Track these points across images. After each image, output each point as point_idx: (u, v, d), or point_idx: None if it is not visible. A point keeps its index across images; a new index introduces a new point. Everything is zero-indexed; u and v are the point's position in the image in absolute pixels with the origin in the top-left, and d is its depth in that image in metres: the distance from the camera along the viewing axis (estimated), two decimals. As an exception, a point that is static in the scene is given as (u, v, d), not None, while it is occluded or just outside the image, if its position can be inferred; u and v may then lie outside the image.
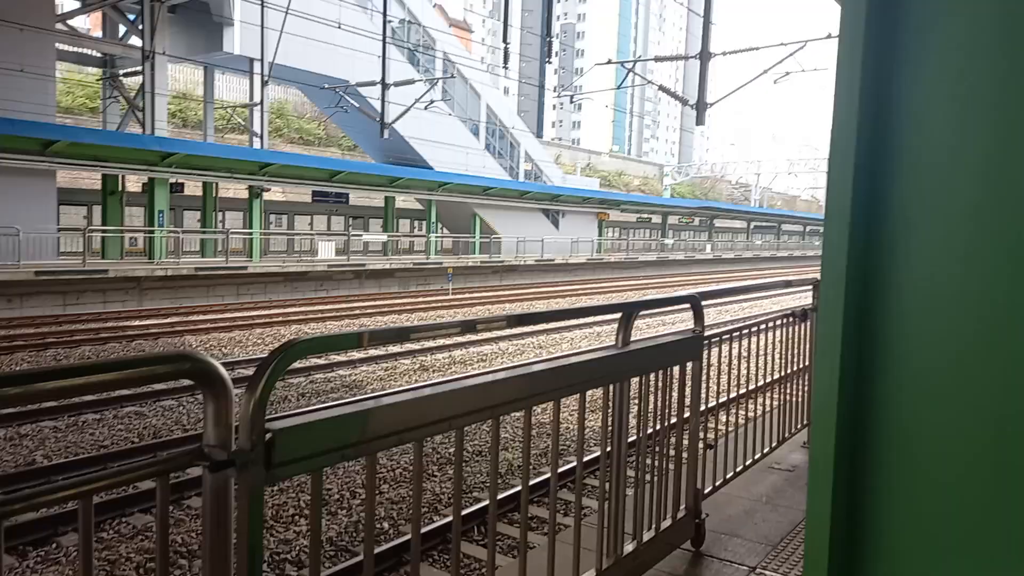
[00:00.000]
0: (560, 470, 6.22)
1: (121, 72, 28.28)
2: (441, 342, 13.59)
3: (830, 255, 1.41)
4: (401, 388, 10.36)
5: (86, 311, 18.08)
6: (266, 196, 26.01)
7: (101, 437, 8.01)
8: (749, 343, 4.05)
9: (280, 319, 17.23)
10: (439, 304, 21.49)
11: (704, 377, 3.23)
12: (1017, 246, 1.24)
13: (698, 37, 22.06)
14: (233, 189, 30.63)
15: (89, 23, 43.30)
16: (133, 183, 26.22)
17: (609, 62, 25.81)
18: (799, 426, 4.60)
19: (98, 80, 31.07)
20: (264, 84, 27.23)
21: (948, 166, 1.30)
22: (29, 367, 11.30)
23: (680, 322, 17.73)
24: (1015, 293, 1.25)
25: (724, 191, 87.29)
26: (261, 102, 27.98)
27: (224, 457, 1.40)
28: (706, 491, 3.39)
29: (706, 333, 3.23)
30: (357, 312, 19.08)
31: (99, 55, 29.00)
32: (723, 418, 7.45)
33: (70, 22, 27.42)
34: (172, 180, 23.07)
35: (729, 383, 4.28)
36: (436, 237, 31.88)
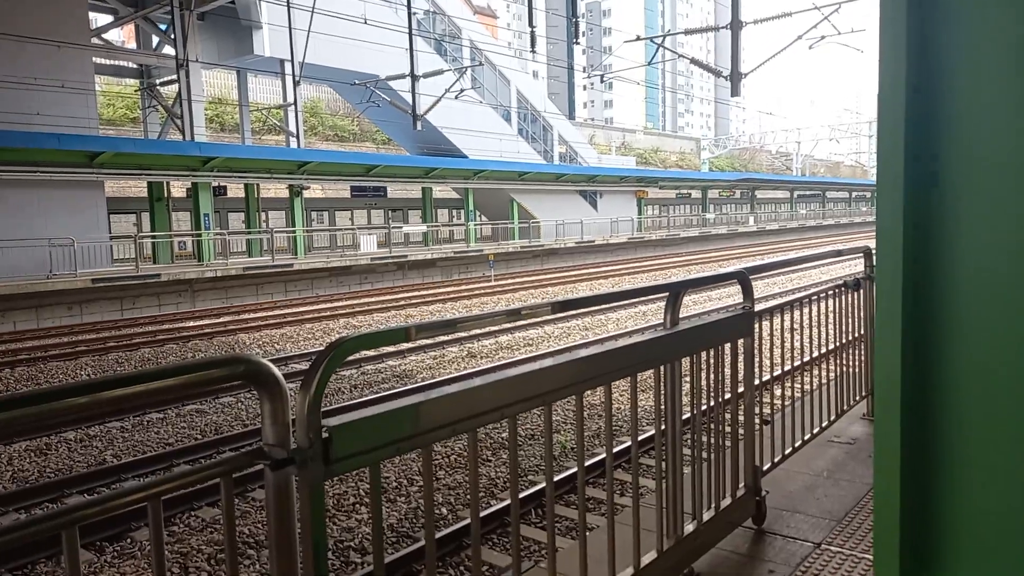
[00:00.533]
0: (615, 450, 6.21)
1: (158, 81, 28.95)
2: (488, 329, 13.65)
3: (884, 223, 1.36)
4: (451, 376, 10.44)
5: (143, 315, 18.66)
6: (306, 194, 26.40)
7: (165, 435, 8.27)
8: (801, 315, 3.97)
9: (328, 313, 17.51)
10: (482, 291, 21.57)
11: (756, 351, 3.17)
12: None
13: (727, 7, 21.55)
14: (274, 189, 31.19)
15: (123, 35, 44.33)
16: (177, 189, 26.86)
17: (638, 38, 25.37)
18: (857, 398, 4.49)
19: (136, 91, 31.86)
20: (296, 84, 27.55)
21: (1006, 128, 1.24)
22: (91, 377, 11.72)
23: (728, 296, 17.47)
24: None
25: (764, 161, 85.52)
26: (295, 102, 28.35)
27: (284, 455, 1.42)
28: (765, 468, 3.34)
29: (756, 308, 3.16)
30: (402, 303, 19.28)
31: (135, 66, 29.75)
32: (778, 392, 7.32)
33: (105, 36, 28.14)
34: (214, 183, 23.57)
35: (783, 356, 4.21)
36: (475, 225, 31.95)
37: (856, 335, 4.50)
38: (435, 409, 1.77)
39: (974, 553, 1.34)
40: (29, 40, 20.71)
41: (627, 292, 2.69)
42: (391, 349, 12.18)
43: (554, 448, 7.13)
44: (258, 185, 25.67)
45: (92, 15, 26.78)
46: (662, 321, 2.69)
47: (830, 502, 3.47)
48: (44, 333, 15.99)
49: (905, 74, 1.30)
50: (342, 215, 34.55)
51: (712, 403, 2.87)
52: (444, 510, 5.91)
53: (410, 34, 26.99)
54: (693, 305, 16.58)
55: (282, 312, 18.37)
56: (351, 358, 11.25)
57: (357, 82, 29.57)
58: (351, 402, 9.19)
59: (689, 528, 2.69)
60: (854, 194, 67.33)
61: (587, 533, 2.39)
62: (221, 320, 17.34)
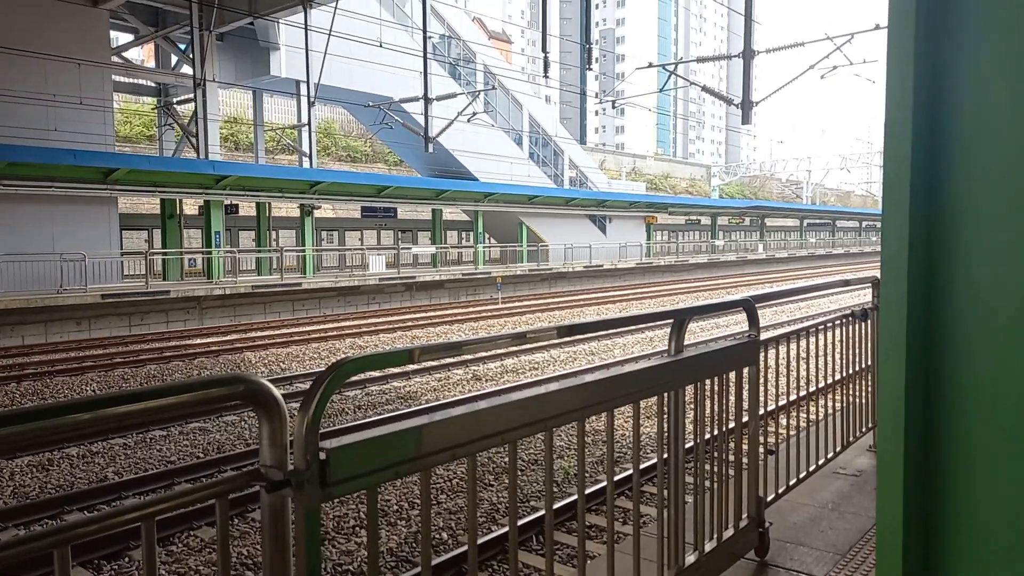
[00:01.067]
0: (617, 478, 6.15)
1: (175, 100, 29.34)
2: (493, 352, 13.61)
3: (890, 253, 1.35)
4: (453, 399, 10.41)
5: (150, 331, 18.73)
6: (317, 213, 26.56)
7: (168, 453, 8.25)
8: (808, 344, 3.94)
9: (335, 333, 17.52)
10: (489, 314, 21.56)
11: (762, 380, 3.15)
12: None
13: (740, 36, 21.72)
14: (285, 208, 31.42)
15: (143, 54, 45.06)
16: (190, 206, 27.10)
17: (650, 65, 25.59)
18: (864, 429, 4.44)
19: (153, 109, 32.27)
20: (311, 105, 27.86)
21: (1009, 156, 1.24)
22: (96, 392, 11.74)
23: (735, 324, 17.40)
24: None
25: (774, 189, 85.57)
26: (309, 122, 28.63)
27: (280, 477, 1.41)
28: (769, 499, 3.30)
29: (762, 337, 3.15)
30: (409, 324, 19.29)
31: (153, 84, 30.18)
32: (783, 422, 7.26)
33: (125, 54, 28.61)
34: (227, 202, 23.77)
35: (788, 385, 4.16)
36: (484, 247, 32.03)
37: (863, 366, 4.46)
38: (435, 432, 1.76)
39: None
40: (50, 57, 21.07)
41: (633, 318, 2.68)
42: (396, 370, 12.17)
43: (557, 474, 7.08)
44: (270, 204, 25.87)
45: (113, 34, 27.27)
46: (666, 348, 2.68)
47: (835, 535, 3.41)
48: (52, 348, 16.07)
49: (912, 104, 1.30)
50: (352, 235, 34.73)
51: (716, 432, 2.85)
52: (445, 535, 5.85)
53: (424, 57, 27.30)
54: (700, 332, 16.51)
55: (289, 331, 18.40)
56: (356, 378, 11.26)
57: (371, 104, 29.88)
58: (352, 423, 9.16)
59: (691, 559, 2.66)
60: (864, 223, 67.17)
61: (587, 562, 2.36)
62: (228, 338, 17.38)
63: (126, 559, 5.57)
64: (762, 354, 3.18)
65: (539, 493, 6.65)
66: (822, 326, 4.12)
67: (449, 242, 36.29)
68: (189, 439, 8.78)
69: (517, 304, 24.59)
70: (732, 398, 2.94)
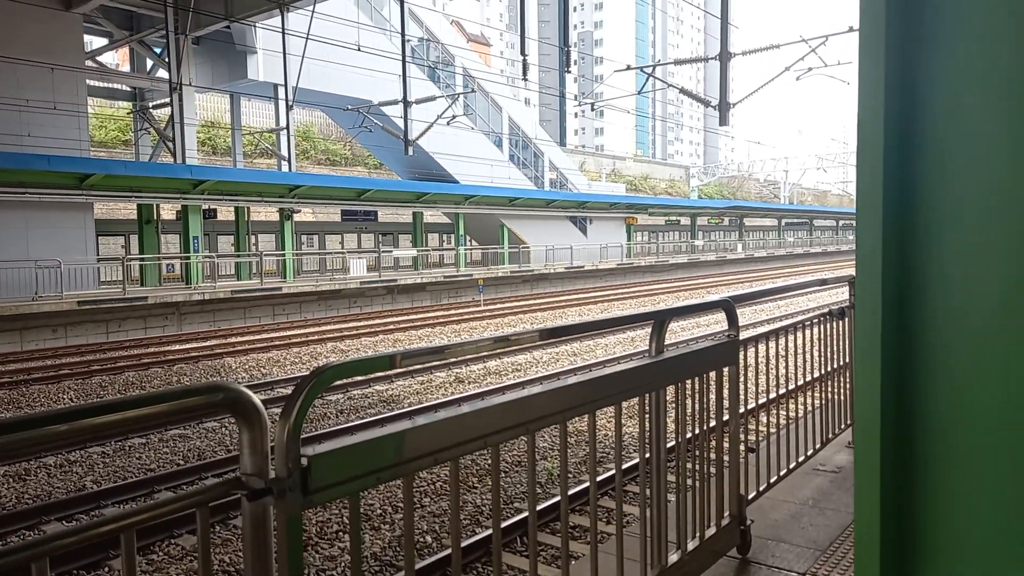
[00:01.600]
0: (600, 478, 6.18)
1: (150, 104, 29.02)
2: (476, 355, 13.61)
3: (864, 253, 1.37)
4: (436, 403, 10.39)
5: (128, 338, 18.50)
6: (296, 217, 26.38)
7: (147, 461, 8.16)
8: (786, 342, 3.98)
9: (316, 337, 17.42)
10: (471, 316, 21.54)
11: (742, 379, 3.18)
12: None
13: (716, 38, 21.91)
14: (264, 212, 31.17)
15: (117, 58, 44.51)
16: (167, 211, 26.82)
17: (628, 68, 25.73)
18: (843, 426, 4.50)
19: (129, 113, 31.92)
20: (289, 109, 27.69)
21: (980, 158, 1.26)
22: (73, 401, 11.57)
23: (715, 323, 17.52)
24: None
25: (752, 190, 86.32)
26: (287, 126, 28.47)
27: (261, 485, 1.40)
28: (750, 496, 3.33)
29: (741, 336, 3.18)
30: (391, 327, 19.21)
31: (128, 89, 29.83)
32: (764, 419, 7.32)
33: (99, 58, 28.26)
34: (205, 206, 23.55)
35: (768, 383, 4.20)
36: (465, 249, 32.01)
37: (841, 363, 4.52)
38: (417, 438, 1.75)
39: (957, 578, 1.34)
40: (23, 62, 20.76)
41: (614, 320, 2.70)
42: (378, 374, 12.12)
43: (540, 475, 7.09)
44: (248, 208, 25.67)
45: (87, 38, 26.93)
46: (647, 349, 2.69)
47: (815, 531, 3.45)
48: (27, 356, 15.81)
49: (884, 107, 1.32)
50: (332, 239, 34.55)
51: (697, 431, 2.87)
52: (428, 538, 5.84)
53: (403, 61, 27.25)
54: (681, 331, 16.62)
55: (270, 336, 18.26)
56: (338, 383, 11.19)
57: (350, 107, 29.76)
58: (334, 428, 9.11)
59: (673, 558, 2.67)
60: (841, 222, 68.00)
61: (571, 562, 2.37)
62: (208, 344, 17.21)
63: (105, 568, 5.50)
64: (742, 353, 3.21)
65: (522, 495, 6.66)
66: (800, 325, 4.17)
67: (430, 245, 36.21)
68: (169, 446, 8.68)
69: (499, 306, 24.59)
70: (713, 397, 2.96)
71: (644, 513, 2.54)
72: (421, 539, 5.76)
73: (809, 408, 4.29)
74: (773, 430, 3.97)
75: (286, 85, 26.96)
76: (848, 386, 4.54)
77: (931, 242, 1.32)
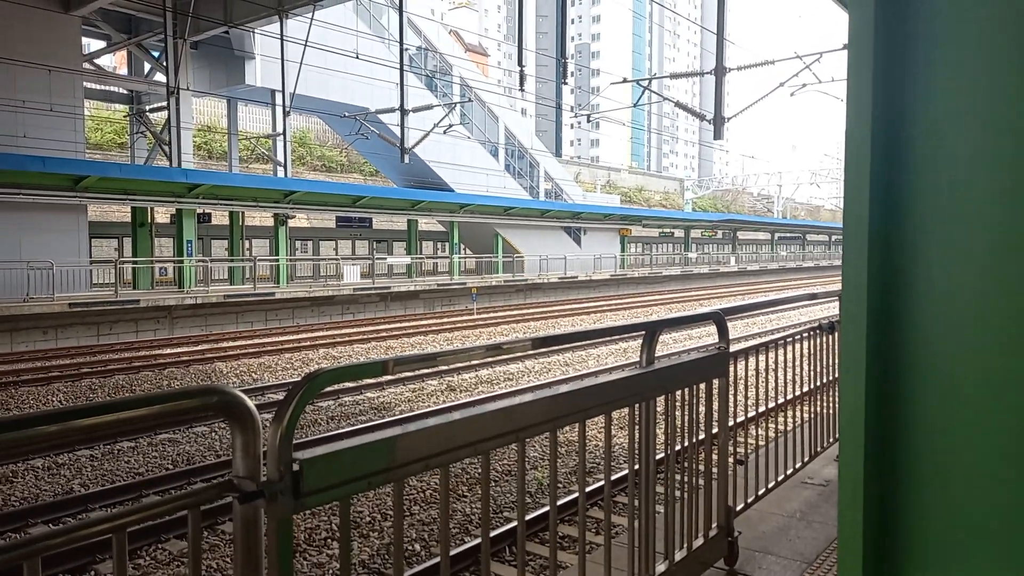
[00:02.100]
0: (589, 489, 6.18)
1: (147, 107, 29.00)
2: (468, 363, 13.60)
3: (850, 269, 1.40)
4: (427, 410, 10.38)
5: (119, 341, 18.42)
6: (291, 223, 26.36)
7: (136, 465, 8.12)
8: (776, 355, 4.01)
9: (308, 343, 17.38)
10: (464, 324, 21.54)
11: (732, 391, 3.20)
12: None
13: (712, 53, 22.07)
14: (259, 217, 31.15)
15: (115, 61, 44.49)
16: (161, 215, 26.76)
17: (624, 80, 25.89)
18: (831, 440, 4.53)
19: (125, 116, 31.88)
20: (286, 115, 27.71)
21: (965, 176, 1.29)
22: (63, 403, 11.51)
23: (707, 335, 17.57)
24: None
25: (746, 203, 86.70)
26: (284, 132, 28.47)
27: (253, 488, 1.41)
28: (738, 508, 3.35)
29: (731, 349, 3.20)
30: (383, 335, 19.19)
31: (125, 92, 29.81)
32: (753, 432, 7.34)
33: (96, 61, 28.24)
34: (199, 211, 23.51)
35: (757, 396, 4.24)
36: (459, 258, 32.02)
37: (831, 377, 4.55)
38: (408, 444, 1.77)
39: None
40: (20, 63, 20.74)
41: (605, 330, 2.72)
42: (369, 381, 12.10)
43: (530, 484, 7.09)
44: (243, 213, 25.63)
45: (85, 40, 26.91)
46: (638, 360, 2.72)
47: (802, 544, 3.47)
48: (17, 357, 15.72)
49: (871, 125, 1.35)
50: (327, 245, 34.52)
51: (687, 442, 2.89)
52: (417, 546, 5.83)
53: (401, 69, 27.32)
54: (673, 343, 16.65)
55: (261, 341, 18.21)
56: (329, 389, 11.17)
57: (347, 114, 29.81)
58: (326, 434, 9.09)
59: (661, 568, 2.69)
60: (833, 237, 68.29)
61: (559, 572, 2.38)
62: (199, 348, 17.15)
63: (91, 572, 5.47)
64: (732, 366, 3.23)
65: (512, 504, 6.65)
66: (790, 338, 4.20)
67: (425, 252, 36.23)
68: (158, 450, 8.64)
69: (492, 315, 24.60)
70: (703, 409, 2.98)
71: (632, 523, 2.56)
72: (410, 547, 5.75)
73: (798, 421, 4.32)
74: (762, 443, 3.99)
75: (283, 91, 26.99)
76: (837, 400, 4.57)
77: (916, 258, 1.35)
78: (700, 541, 2.95)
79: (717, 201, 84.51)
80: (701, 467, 3.02)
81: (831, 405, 4.53)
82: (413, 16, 35.22)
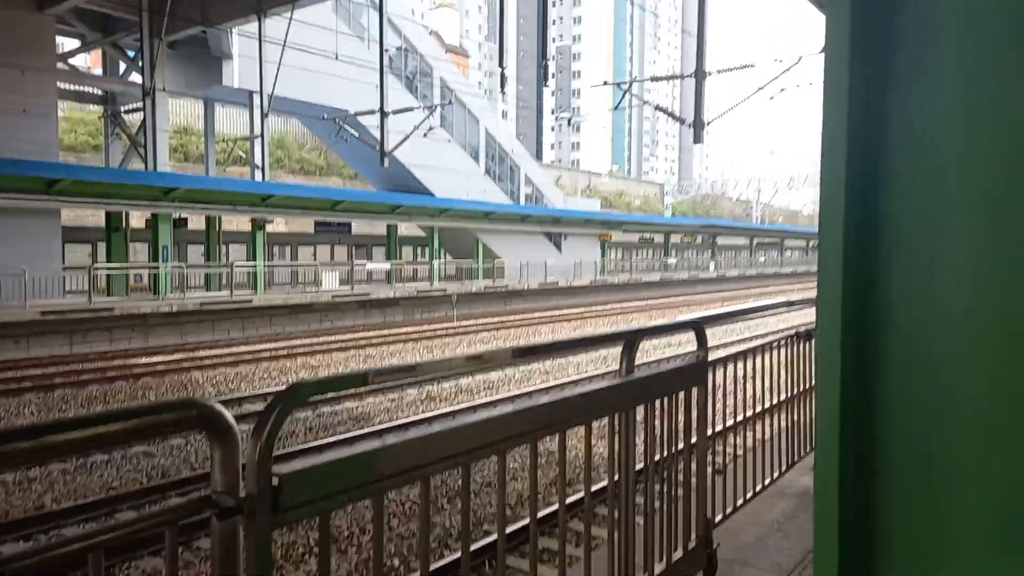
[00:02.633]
0: (569, 500, 6.18)
1: (122, 109, 28.62)
2: (448, 372, 13.55)
3: (826, 276, 1.42)
4: (407, 420, 10.32)
5: (93, 350, 18.12)
6: (269, 228, 26.13)
7: (110, 479, 7.98)
8: (754, 363, 4.05)
9: (286, 352, 17.22)
10: (444, 332, 21.48)
11: (710, 400, 3.22)
12: (1014, 262, 1.25)
13: (693, 56, 22.27)
14: (236, 222, 30.84)
15: (89, 61, 43.91)
16: (137, 219, 26.40)
17: (605, 83, 26.07)
18: (808, 449, 4.57)
19: (100, 117, 31.44)
20: (264, 116, 27.50)
21: (942, 184, 1.31)
22: (35, 415, 11.30)
23: (687, 341, 17.67)
24: (1014, 308, 1.26)
25: (725, 208, 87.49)
26: (262, 134, 28.24)
27: (232, 504, 1.40)
28: (717, 519, 3.37)
29: (710, 358, 3.23)
30: (363, 342, 19.08)
31: (100, 93, 29.39)
32: (732, 440, 7.39)
33: (71, 61, 27.84)
34: (175, 215, 23.24)
35: (735, 405, 4.27)
36: (439, 263, 31.95)
37: (808, 385, 4.59)
38: (388, 457, 1.76)
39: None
40: (-9, 64, 20.41)
41: (585, 340, 2.73)
42: (349, 391, 12.02)
43: (510, 496, 7.07)
44: (220, 217, 25.37)
45: (59, 39, 26.53)
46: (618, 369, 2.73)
47: (780, 555, 3.50)
48: (-12, 364, 15.43)
49: (847, 132, 1.37)
50: (305, 250, 34.27)
51: (666, 452, 2.90)
52: (396, 561, 5.79)
53: (381, 71, 27.23)
54: (652, 350, 16.73)
55: (239, 350, 18.02)
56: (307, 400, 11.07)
57: (326, 116, 29.64)
58: (305, 446, 9.00)
59: (641, 580, 2.69)
60: (811, 243, 69.05)
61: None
62: (175, 357, 16.92)
63: (64, 586, 5.36)
64: (711, 374, 3.26)
65: (492, 516, 6.63)
66: (768, 346, 4.24)
67: (404, 258, 36.09)
68: (132, 464, 8.50)
69: (472, 322, 24.56)
70: (682, 418, 3.00)
71: (612, 536, 2.56)
72: (389, 562, 5.71)
73: (776, 430, 4.35)
74: (740, 452, 4.02)
75: (261, 92, 26.78)
76: (814, 409, 4.61)
77: (892, 266, 1.37)
78: (679, 554, 2.96)
79: (697, 206, 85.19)
80: (680, 477, 3.04)
81: (808, 414, 4.58)
82: (393, 16, 35.13)
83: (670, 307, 30.69)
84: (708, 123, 21.56)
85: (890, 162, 1.36)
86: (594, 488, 4.37)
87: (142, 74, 24.70)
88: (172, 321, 20.23)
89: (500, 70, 25.68)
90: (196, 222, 26.11)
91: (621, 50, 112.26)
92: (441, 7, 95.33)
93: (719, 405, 5.69)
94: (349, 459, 1.67)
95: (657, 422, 2.81)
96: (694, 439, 3.15)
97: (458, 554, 5.45)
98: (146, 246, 25.08)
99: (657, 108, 25.20)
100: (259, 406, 11.22)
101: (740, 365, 3.91)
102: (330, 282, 25.99)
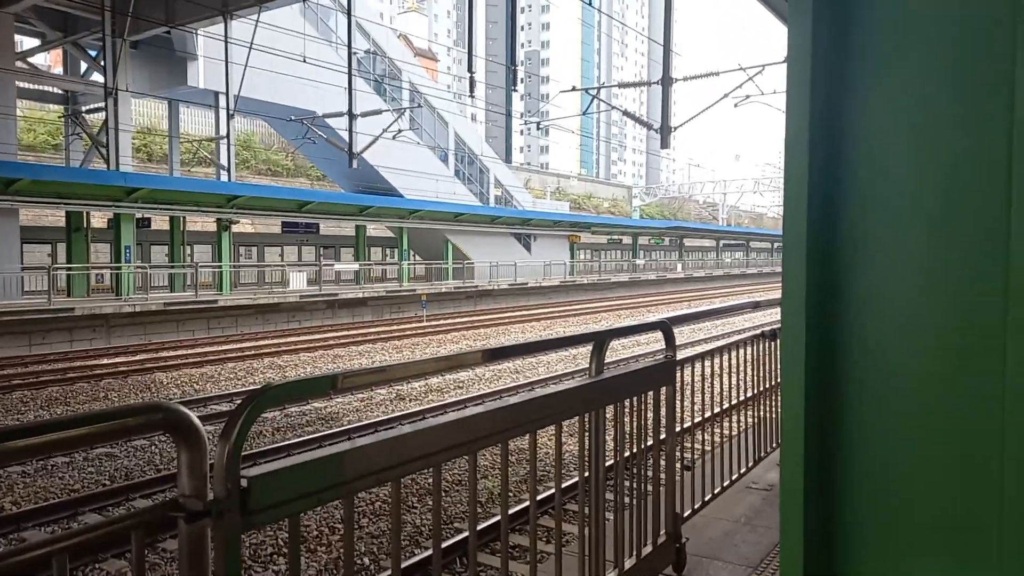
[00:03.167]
0: (540, 497, 6.21)
1: (84, 108, 28.00)
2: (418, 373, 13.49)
3: (790, 278, 1.45)
4: (376, 420, 10.26)
5: (53, 351, 17.69)
6: (235, 228, 25.77)
7: (71, 481, 7.81)
8: (722, 362, 4.11)
9: (252, 352, 17.00)
10: (414, 332, 21.39)
11: (679, 397, 3.27)
12: (969, 263, 1.30)
13: (659, 63, 22.50)
14: (201, 222, 30.35)
15: (49, 60, 42.87)
16: (98, 219, 25.85)
17: (574, 89, 26.18)
18: (774, 444, 4.65)
19: (60, 117, 30.73)
20: (230, 117, 27.13)
21: (900, 189, 1.36)
22: (-7, 412, 11.00)
23: (655, 341, 17.83)
24: (969, 308, 1.30)
25: (692, 211, 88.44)
26: (227, 135, 27.85)
27: (200, 507, 1.39)
28: (685, 515, 3.41)
29: (678, 357, 3.27)
30: (331, 343, 18.91)
31: (60, 92, 28.74)
32: (700, 437, 7.48)
33: (30, 59, 27.18)
34: (138, 215, 22.80)
35: (703, 402, 4.33)
36: (408, 264, 31.81)
37: (773, 383, 4.68)
38: (358, 458, 1.75)
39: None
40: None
41: (555, 341, 2.74)
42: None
43: (481, 494, 7.07)
44: (184, 218, 24.96)
45: (17, 38, 25.87)
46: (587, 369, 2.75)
47: (748, 549, 3.56)
48: (-58, 368, 14.98)
49: (809, 137, 1.41)
50: (272, 251, 33.86)
51: (635, 449, 2.93)
52: (367, 560, 5.76)
53: (349, 73, 27.05)
54: (622, 349, 16.86)
55: (204, 350, 17.74)
56: (276, 399, 10.94)
57: (293, 118, 29.33)
58: (273, 446, 8.90)
59: (611, 576, 2.72)
60: (776, 244, 70.18)
61: (510, 582, 2.38)
62: (138, 358, 16.61)
63: (23, 595, 5.23)
64: (679, 373, 3.30)
65: (463, 514, 6.63)
66: (735, 345, 4.30)
67: (373, 259, 35.85)
68: (95, 466, 8.33)
69: (442, 322, 24.49)
70: (651, 416, 3.03)
71: (583, 532, 2.58)
72: (359, 561, 5.68)
73: (743, 427, 4.42)
74: (708, 448, 4.08)
75: (227, 93, 26.43)
76: (779, 405, 4.70)
77: (853, 268, 1.41)
78: (649, 548, 2.99)
79: (664, 208, 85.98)
80: (650, 473, 3.07)
81: (774, 410, 4.66)
82: (361, 20, 34.92)
83: (639, 307, 30.94)
84: (675, 128, 21.82)
85: (851, 169, 1.40)
86: (565, 484, 4.41)
87: (104, 73, 24.20)
88: (135, 321, 19.84)
89: (469, 74, 25.66)
90: (160, 222, 25.65)
91: (589, 55, 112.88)
92: (410, 11, 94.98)
93: (687, 402, 5.76)
94: (319, 460, 1.66)
95: (627, 420, 2.84)
96: (663, 436, 3.19)
97: (429, 552, 5.44)
98: (108, 246, 24.56)
99: (625, 113, 25.40)
100: (225, 407, 11.06)
101: (707, 363, 3.96)
102: (297, 282, 25.71)
